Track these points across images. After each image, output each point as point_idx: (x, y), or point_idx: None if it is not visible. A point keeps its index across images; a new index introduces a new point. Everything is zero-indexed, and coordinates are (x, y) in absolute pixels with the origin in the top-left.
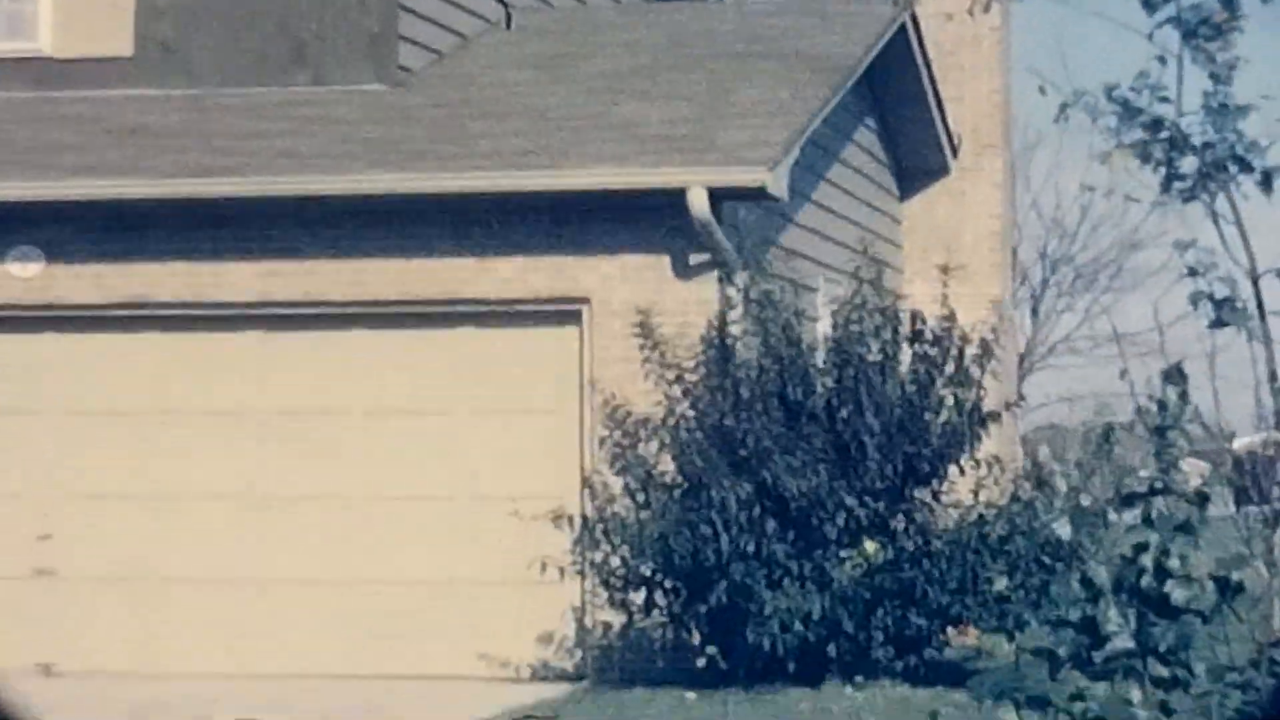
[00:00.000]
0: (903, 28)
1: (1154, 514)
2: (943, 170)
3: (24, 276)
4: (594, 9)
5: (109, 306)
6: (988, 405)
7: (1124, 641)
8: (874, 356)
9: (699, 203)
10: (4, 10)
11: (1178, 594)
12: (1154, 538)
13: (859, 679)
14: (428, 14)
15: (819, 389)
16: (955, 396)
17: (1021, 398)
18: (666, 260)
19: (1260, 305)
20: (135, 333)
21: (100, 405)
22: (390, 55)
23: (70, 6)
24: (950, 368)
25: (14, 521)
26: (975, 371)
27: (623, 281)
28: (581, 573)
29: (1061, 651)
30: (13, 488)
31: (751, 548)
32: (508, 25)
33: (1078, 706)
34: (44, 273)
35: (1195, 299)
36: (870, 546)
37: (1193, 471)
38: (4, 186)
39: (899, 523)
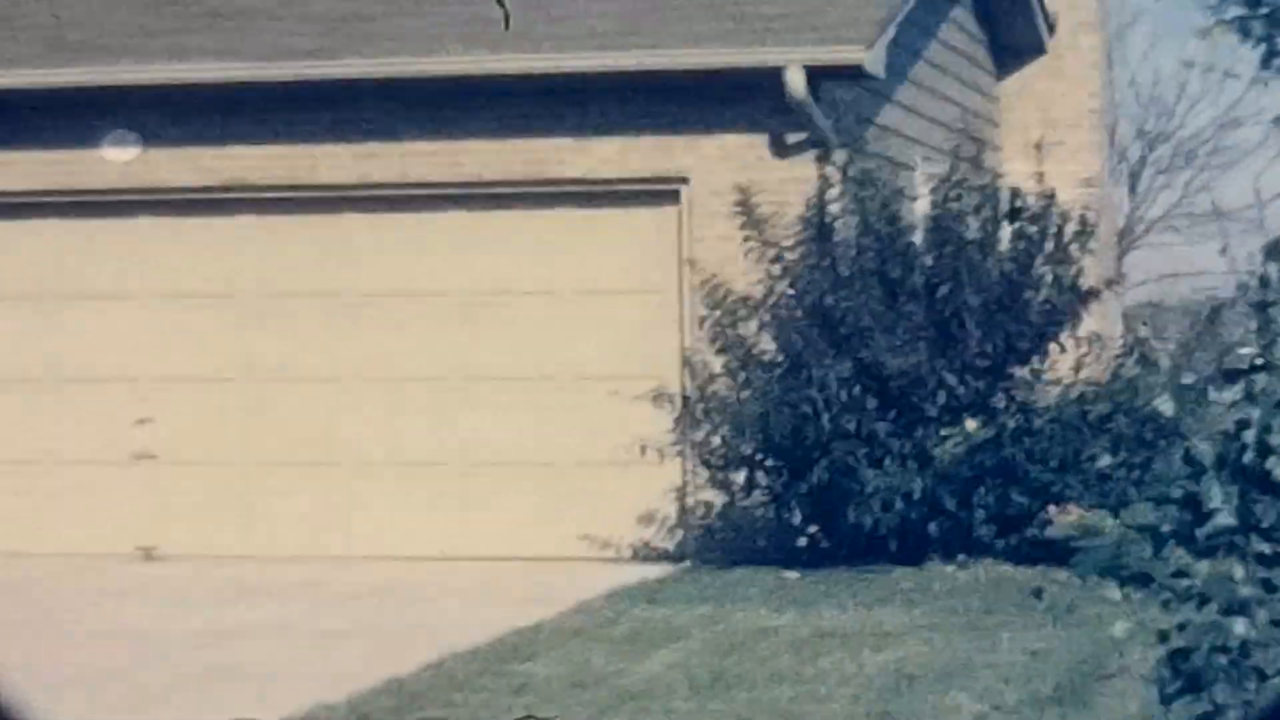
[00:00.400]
0: None
1: (1256, 390)
2: (1040, 48)
3: (121, 160)
4: None
5: (206, 190)
6: (1087, 283)
7: (1227, 518)
8: (973, 234)
9: (796, 82)
10: None
11: None
12: (1256, 414)
13: (960, 557)
14: None
15: (918, 267)
16: (1055, 274)
17: (1121, 275)
18: (765, 139)
19: None
20: (233, 216)
21: (198, 288)
22: None
23: None
24: (1050, 245)
25: (113, 406)
26: (1075, 249)
27: (721, 161)
28: (682, 453)
29: (1164, 528)
30: (112, 372)
31: (852, 426)
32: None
33: (1181, 583)
34: (141, 157)
35: None
36: (971, 424)
37: None
38: (99, 70)
39: (1000, 400)
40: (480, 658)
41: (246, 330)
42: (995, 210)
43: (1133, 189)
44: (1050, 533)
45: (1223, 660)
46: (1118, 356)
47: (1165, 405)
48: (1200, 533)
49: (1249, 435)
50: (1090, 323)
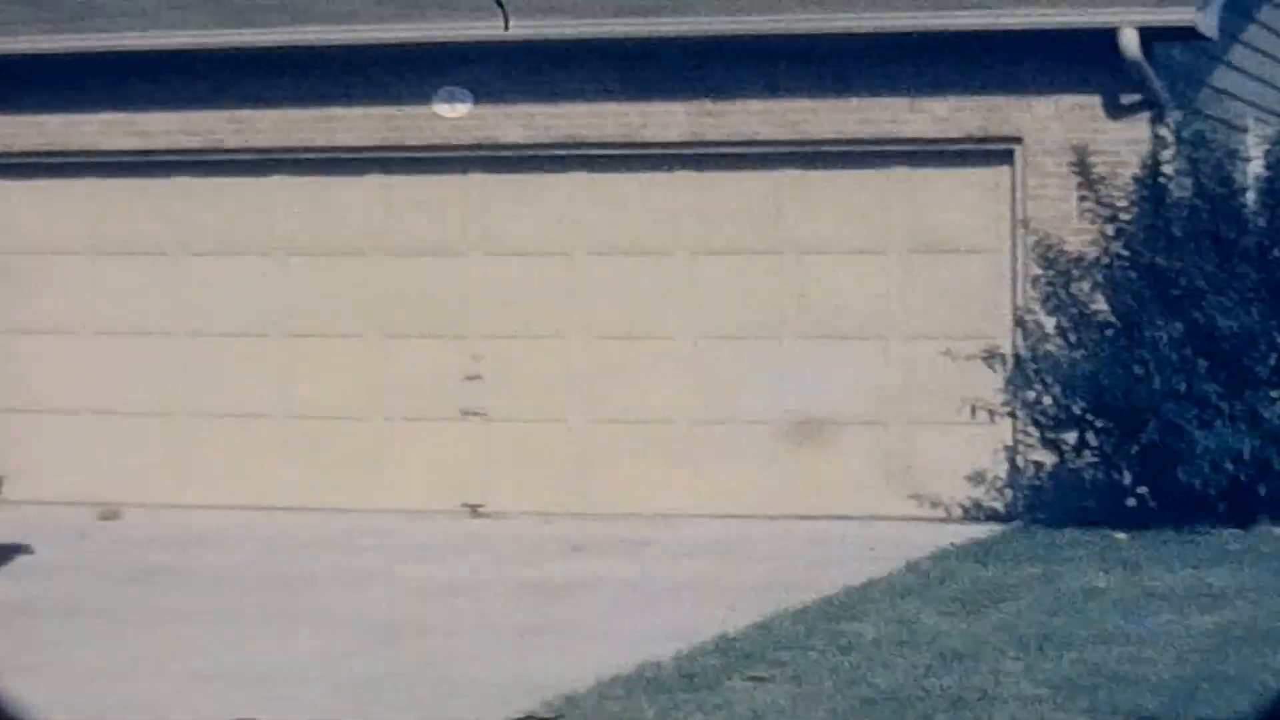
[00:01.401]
0: None
1: None
2: None
3: (453, 117)
4: None
5: (538, 146)
6: None
7: None
8: None
9: (1130, 43)
10: None
11: None
12: None
13: None
14: None
15: (1252, 229)
16: None
17: None
18: (1098, 100)
19: None
20: (565, 173)
21: (531, 245)
22: None
23: None
24: None
25: (444, 362)
26: None
27: (1055, 121)
28: (1012, 413)
29: None
30: (444, 329)
31: (1183, 387)
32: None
33: None
34: (472, 113)
35: None
36: None
37: None
38: (431, 27)
39: None
40: (809, 616)
41: (579, 287)
42: None
43: None
44: None
45: None
46: None
47: None
48: None
49: None
50: None
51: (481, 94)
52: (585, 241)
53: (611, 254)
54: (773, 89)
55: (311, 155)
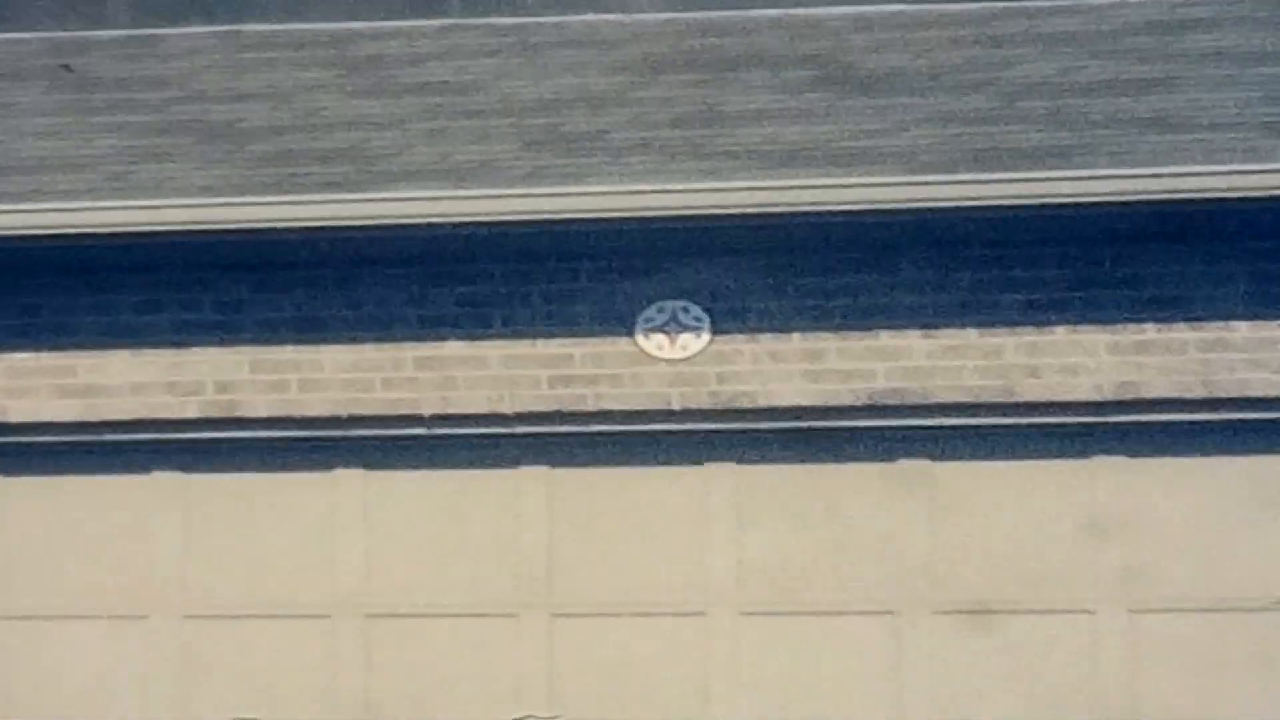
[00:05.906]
0: None
1: None
2: None
3: (671, 357)
4: None
5: (829, 413)
6: None
7: None
8: None
9: None
10: None
11: None
12: None
13: None
14: None
15: None
16: None
17: None
18: None
19: None
20: (894, 460)
21: (796, 576)
22: None
23: None
24: None
25: None
26: None
27: None
28: None
29: None
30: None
31: None
32: None
33: None
34: (709, 350)
35: None
36: None
37: None
38: (633, 190)
39: None
40: None
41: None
42: None
43: None
44: None
45: None
46: None
47: None
48: None
49: None
50: None
51: (723, 315)
52: (919, 597)
53: None
54: None
55: (403, 433)
